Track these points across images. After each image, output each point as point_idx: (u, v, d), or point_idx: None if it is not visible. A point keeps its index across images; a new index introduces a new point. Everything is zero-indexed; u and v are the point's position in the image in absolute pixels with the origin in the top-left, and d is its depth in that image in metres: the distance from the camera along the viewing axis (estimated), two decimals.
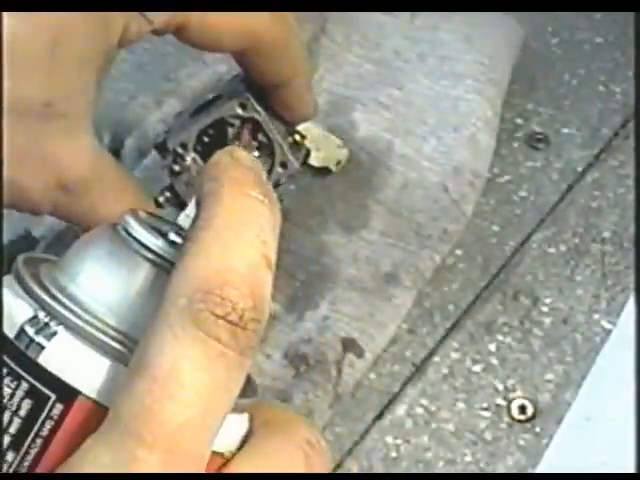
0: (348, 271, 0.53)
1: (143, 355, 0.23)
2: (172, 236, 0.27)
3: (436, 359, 0.51)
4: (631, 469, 0.44)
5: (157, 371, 0.23)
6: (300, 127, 0.54)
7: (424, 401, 0.49)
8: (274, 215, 0.25)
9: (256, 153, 0.41)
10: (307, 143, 0.44)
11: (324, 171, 0.56)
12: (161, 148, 0.42)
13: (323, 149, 0.56)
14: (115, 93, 0.60)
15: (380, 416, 0.49)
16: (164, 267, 0.26)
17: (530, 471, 0.47)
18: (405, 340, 0.52)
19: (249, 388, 0.27)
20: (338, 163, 0.56)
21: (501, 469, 0.47)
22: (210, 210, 0.24)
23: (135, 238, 0.26)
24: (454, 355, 0.51)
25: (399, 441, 0.48)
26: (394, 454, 0.48)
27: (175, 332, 0.23)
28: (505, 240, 0.56)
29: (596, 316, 0.52)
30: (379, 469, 0.47)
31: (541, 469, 0.47)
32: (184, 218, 0.27)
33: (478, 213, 0.56)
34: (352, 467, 0.47)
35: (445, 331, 0.52)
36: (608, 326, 0.52)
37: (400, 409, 0.49)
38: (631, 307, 0.52)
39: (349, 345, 0.50)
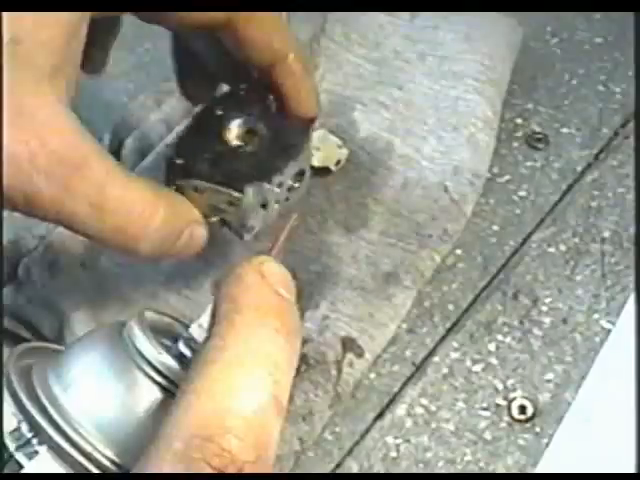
0: (348, 271, 0.53)
1: None
2: (181, 347, 0.25)
3: (436, 359, 0.51)
4: (631, 469, 0.44)
5: None
6: None
7: (424, 401, 0.49)
8: (293, 349, 0.23)
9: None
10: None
11: (324, 171, 0.56)
12: (179, 170, 0.38)
13: (323, 149, 0.56)
14: (115, 93, 0.60)
15: (380, 416, 0.49)
16: (167, 388, 0.24)
17: (530, 471, 0.47)
18: (405, 340, 0.52)
19: None
20: (338, 163, 0.56)
21: (501, 469, 0.47)
22: (222, 338, 0.22)
23: (138, 350, 0.24)
24: (454, 355, 0.51)
25: (399, 441, 0.48)
26: (394, 454, 0.48)
27: None
28: (505, 240, 0.56)
29: (596, 316, 0.52)
30: (379, 469, 0.47)
31: (541, 469, 0.47)
32: (196, 328, 0.26)
33: (478, 213, 0.56)
34: (352, 467, 0.47)
35: (445, 331, 0.52)
36: (608, 326, 0.52)
37: (400, 409, 0.49)
38: (631, 307, 0.52)
39: (349, 345, 0.50)
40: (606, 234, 0.55)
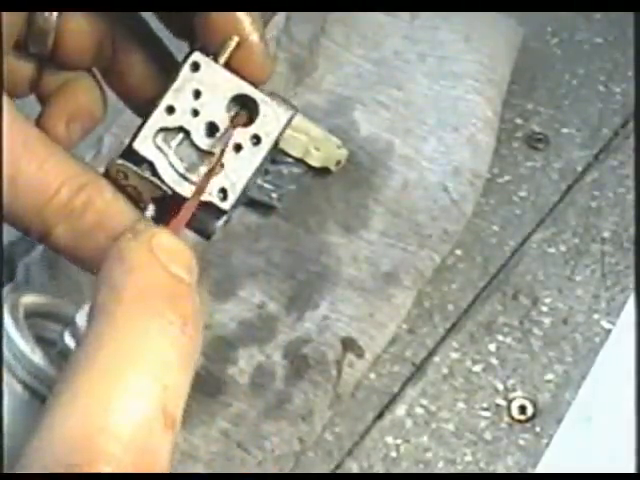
0: (348, 271, 0.53)
1: None
2: (67, 339, 0.20)
3: (436, 359, 0.51)
4: (631, 469, 0.44)
5: None
6: (301, 127, 0.54)
7: (424, 401, 0.49)
8: (191, 342, 0.19)
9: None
10: (294, 153, 0.38)
11: (324, 171, 0.56)
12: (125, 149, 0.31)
13: (323, 149, 0.56)
14: (113, 93, 0.59)
15: (380, 416, 0.49)
16: (44, 395, 0.20)
17: (530, 471, 0.47)
18: (405, 340, 0.52)
19: None
20: (338, 163, 0.56)
21: (501, 469, 0.47)
22: (97, 337, 0.18)
23: (8, 346, 0.20)
24: (454, 355, 0.51)
25: (399, 441, 0.48)
26: (394, 454, 0.48)
27: None
28: (505, 240, 0.56)
29: (596, 316, 0.52)
30: (379, 469, 0.47)
31: (541, 469, 0.47)
32: (83, 315, 0.20)
33: (478, 213, 0.56)
34: (352, 467, 0.47)
35: (445, 331, 0.52)
36: (608, 326, 0.52)
37: (400, 409, 0.49)
38: (631, 307, 0.52)
39: (349, 345, 0.50)
40: (606, 234, 0.55)
